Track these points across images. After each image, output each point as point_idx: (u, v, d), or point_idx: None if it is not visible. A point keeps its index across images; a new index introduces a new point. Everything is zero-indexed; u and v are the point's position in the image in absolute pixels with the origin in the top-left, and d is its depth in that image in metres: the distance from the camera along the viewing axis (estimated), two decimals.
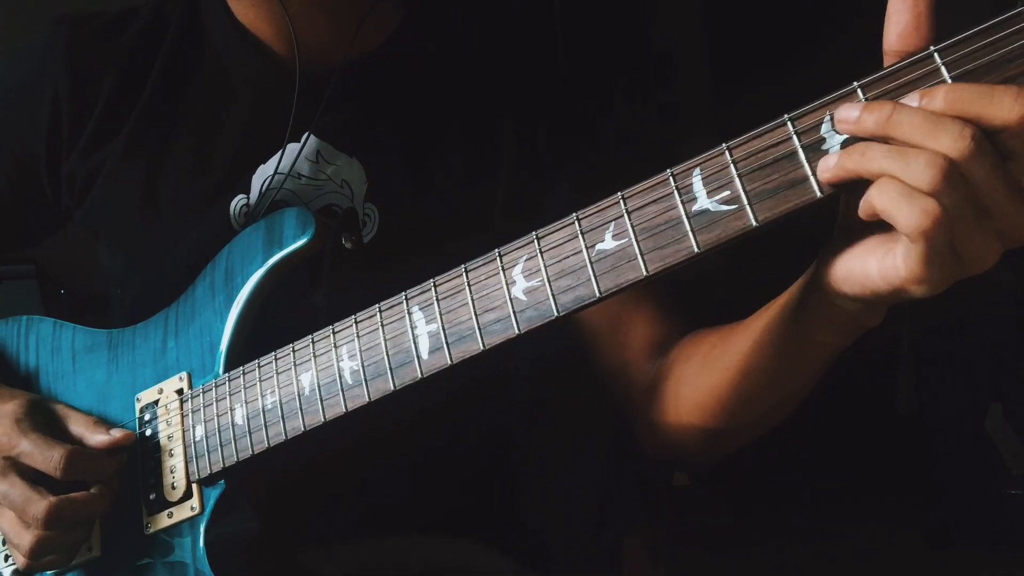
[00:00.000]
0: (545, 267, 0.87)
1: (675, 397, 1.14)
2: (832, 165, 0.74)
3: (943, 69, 0.70)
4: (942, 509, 3.18)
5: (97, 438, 1.14)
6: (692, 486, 3.10)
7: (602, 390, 1.27)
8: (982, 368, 3.10)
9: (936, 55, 0.71)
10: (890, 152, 0.71)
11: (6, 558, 1.19)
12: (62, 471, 1.09)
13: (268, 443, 1.05)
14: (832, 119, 0.74)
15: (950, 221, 0.70)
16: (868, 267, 0.78)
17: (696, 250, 0.79)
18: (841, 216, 0.82)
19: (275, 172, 1.22)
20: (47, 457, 1.09)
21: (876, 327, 0.87)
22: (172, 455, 1.13)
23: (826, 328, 0.88)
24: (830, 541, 3.22)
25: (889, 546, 3.17)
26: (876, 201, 0.72)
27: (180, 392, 1.15)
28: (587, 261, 0.85)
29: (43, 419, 1.16)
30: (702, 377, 1.09)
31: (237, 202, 1.24)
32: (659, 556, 1.57)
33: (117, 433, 1.15)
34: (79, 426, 1.16)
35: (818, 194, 0.74)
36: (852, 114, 0.73)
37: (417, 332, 0.95)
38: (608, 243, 0.84)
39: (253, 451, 1.06)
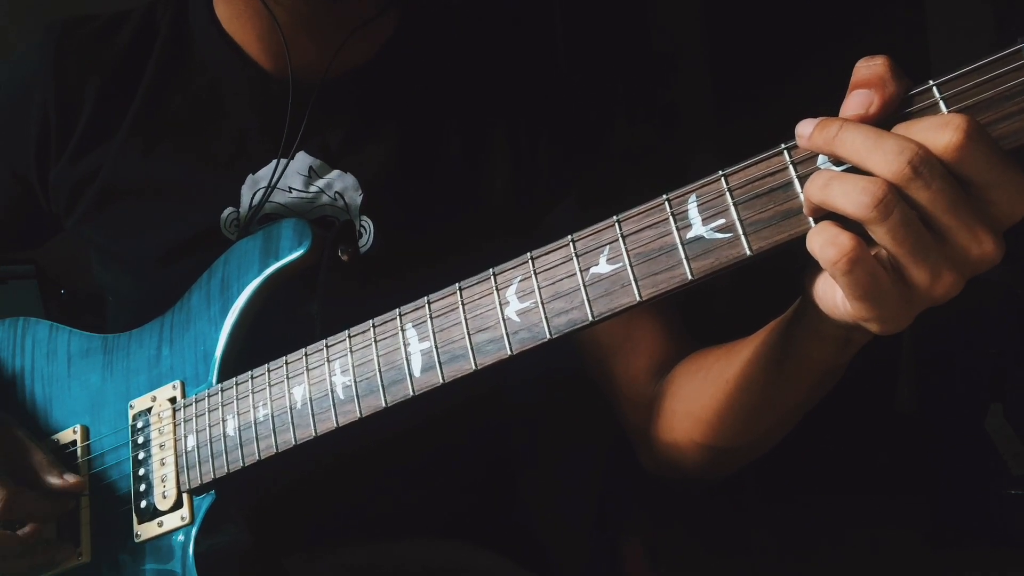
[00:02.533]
0: (539, 289, 0.86)
1: (676, 413, 1.13)
2: (803, 197, 0.74)
3: (942, 104, 0.69)
4: (942, 509, 3.18)
5: (50, 480, 1.16)
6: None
7: (601, 392, 1.27)
8: (982, 368, 3.09)
9: (935, 89, 0.70)
10: (833, 178, 0.70)
11: None
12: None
13: (259, 455, 1.05)
14: None
15: (891, 247, 0.69)
16: (836, 298, 0.78)
17: (690, 277, 0.79)
18: None
19: (266, 186, 1.22)
20: None
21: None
22: (164, 464, 1.13)
23: (817, 341, 0.87)
24: (830, 541, 3.22)
25: (889, 546, 3.17)
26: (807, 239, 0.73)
27: (173, 400, 1.15)
28: (581, 284, 0.84)
29: (2, 446, 1.17)
30: (704, 392, 1.08)
31: (227, 214, 1.23)
32: (659, 556, 1.57)
33: (71, 479, 1.16)
34: (36, 463, 1.17)
35: (813, 225, 0.74)
36: (806, 130, 0.72)
37: (410, 349, 0.94)
38: (603, 267, 0.83)
39: (244, 463, 1.06)
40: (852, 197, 0.68)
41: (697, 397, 1.09)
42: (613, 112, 1.30)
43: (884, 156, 0.68)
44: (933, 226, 0.69)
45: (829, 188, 0.70)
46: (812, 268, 0.81)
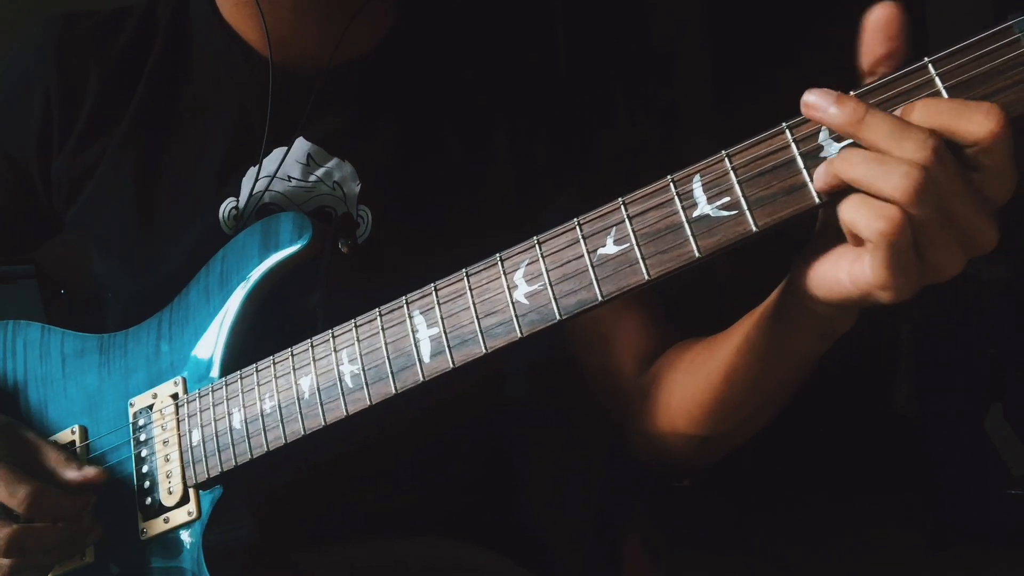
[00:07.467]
0: (547, 271, 0.87)
1: (662, 406, 1.14)
2: (823, 172, 0.75)
3: (937, 80, 0.71)
4: (942, 509, 3.18)
5: (69, 474, 1.13)
6: (692, 486, 3.11)
7: (587, 382, 1.28)
8: (982, 368, 3.10)
9: (930, 66, 0.72)
10: (871, 158, 0.72)
11: None
12: (26, 509, 1.08)
13: (267, 447, 1.05)
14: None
15: (917, 227, 0.72)
16: (839, 273, 0.79)
17: (697, 255, 0.80)
18: (818, 223, 0.83)
19: (259, 175, 1.22)
20: (11, 492, 1.08)
21: (878, 326, 0.87)
22: (168, 460, 1.12)
23: (800, 333, 0.90)
24: (830, 541, 3.23)
25: (889, 546, 3.17)
26: (841, 210, 0.74)
27: (175, 397, 1.14)
28: (589, 265, 0.85)
29: (11, 447, 1.15)
30: (688, 385, 1.10)
31: (226, 206, 1.23)
32: (659, 556, 1.57)
33: (90, 471, 1.13)
34: (51, 460, 1.15)
35: (816, 200, 0.75)
36: (823, 101, 0.74)
37: (418, 336, 0.95)
38: (610, 247, 0.84)
39: (252, 455, 1.06)
40: (893, 180, 0.71)
41: (681, 390, 1.11)
42: (612, 110, 1.31)
43: (912, 142, 0.70)
44: (947, 211, 0.72)
45: (867, 167, 0.72)
46: (804, 253, 0.83)
